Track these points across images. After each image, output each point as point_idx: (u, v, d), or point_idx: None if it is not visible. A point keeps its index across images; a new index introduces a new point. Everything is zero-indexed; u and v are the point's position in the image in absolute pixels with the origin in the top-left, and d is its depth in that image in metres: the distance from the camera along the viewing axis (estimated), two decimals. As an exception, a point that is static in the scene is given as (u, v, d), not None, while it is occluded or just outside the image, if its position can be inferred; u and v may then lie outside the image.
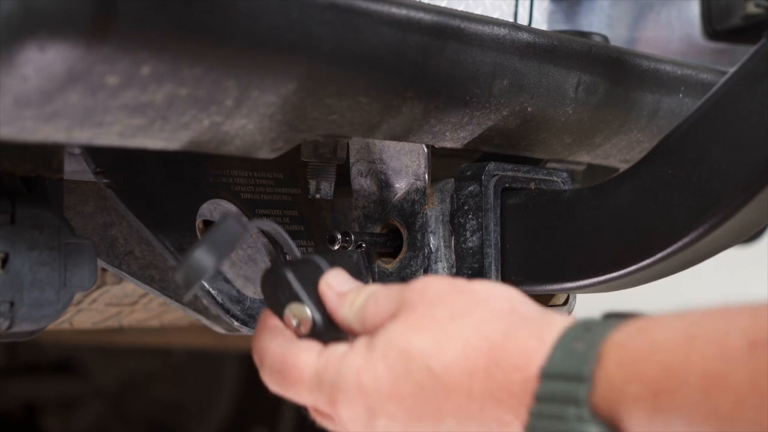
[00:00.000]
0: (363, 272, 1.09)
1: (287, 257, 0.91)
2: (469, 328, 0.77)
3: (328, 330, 0.86)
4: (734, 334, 0.67)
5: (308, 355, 0.84)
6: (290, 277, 0.87)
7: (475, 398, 0.75)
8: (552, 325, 0.76)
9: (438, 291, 0.81)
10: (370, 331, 0.82)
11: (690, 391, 0.67)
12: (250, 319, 1.09)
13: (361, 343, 0.82)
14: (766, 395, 0.65)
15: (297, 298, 0.87)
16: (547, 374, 0.73)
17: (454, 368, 0.76)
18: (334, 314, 0.85)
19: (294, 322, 0.86)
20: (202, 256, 0.82)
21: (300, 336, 0.86)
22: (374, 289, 0.85)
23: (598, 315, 0.77)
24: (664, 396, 0.68)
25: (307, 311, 0.86)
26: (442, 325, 0.78)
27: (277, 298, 0.87)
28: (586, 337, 0.73)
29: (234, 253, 1.10)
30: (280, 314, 0.87)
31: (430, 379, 0.77)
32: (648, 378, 0.69)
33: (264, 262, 1.11)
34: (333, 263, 0.90)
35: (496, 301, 0.80)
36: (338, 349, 0.83)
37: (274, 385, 0.86)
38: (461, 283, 0.82)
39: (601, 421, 0.70)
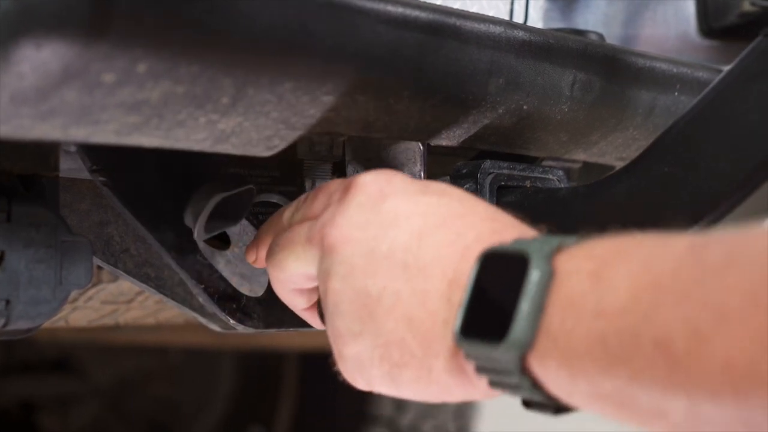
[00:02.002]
0: None
1: None
2: (433, 199, 0.84)
3: None
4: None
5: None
6: None
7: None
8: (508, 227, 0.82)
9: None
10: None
11: (625, 266, 0.69)
12: (246, 317, 1.09)
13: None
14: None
15: None
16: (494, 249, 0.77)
17: (410, 216, 0.83)
18: None
19: None
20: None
21: None
22: None
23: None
24: (605, 267, 0.70)
25: None
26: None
27: None
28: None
29: (230, 251, 1.10)
30: None
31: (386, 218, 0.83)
32: (594, 253, 0.72)
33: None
34: None
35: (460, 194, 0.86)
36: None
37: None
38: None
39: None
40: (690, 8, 1.37)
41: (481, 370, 0.75)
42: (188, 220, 1.03)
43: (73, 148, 1.04)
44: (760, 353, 0.60)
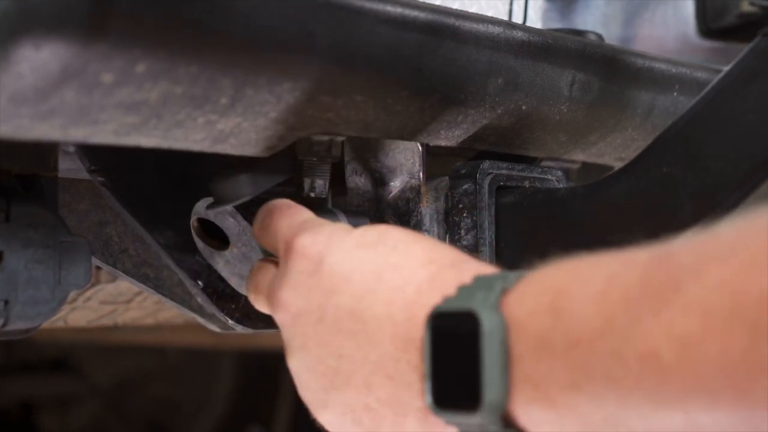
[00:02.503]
0: None
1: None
2: (382, 251, 0.83)
3: None
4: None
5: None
6: None
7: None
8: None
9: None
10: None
11: (586, 288, 0.68)
12: (245, 317, 1.09)
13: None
14: None
15: None
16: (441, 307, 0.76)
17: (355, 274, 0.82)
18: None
19: None
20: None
21: None
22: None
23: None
24: (563, 296, 0.68)
25: None
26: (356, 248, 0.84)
27: None
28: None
29: (229, 251, 1.10)
30: None
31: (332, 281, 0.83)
32: (546, 285, 0.71)
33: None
34: None
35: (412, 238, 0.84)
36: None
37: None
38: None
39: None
40: (689, 9, 1.37)
41: (463, 430, 0.74)
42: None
43: (71, 149, 1.04)
44: (755, 342, 0.59)
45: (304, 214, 0.93)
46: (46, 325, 1.03)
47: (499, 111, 1.04)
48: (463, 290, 0.75)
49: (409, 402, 0.77)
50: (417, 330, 0.76)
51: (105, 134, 0.81)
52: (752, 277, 0.60)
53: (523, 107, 1.06)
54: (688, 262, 0.63)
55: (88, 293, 1.47)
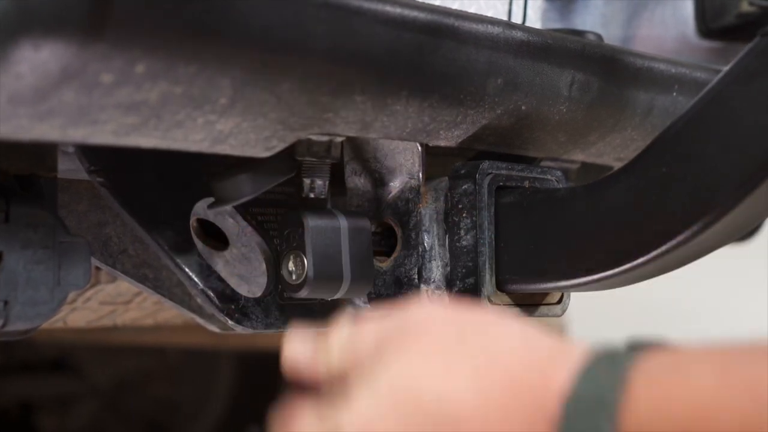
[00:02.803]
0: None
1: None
2: (483, 361, 0.71)
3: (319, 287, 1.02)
4: None
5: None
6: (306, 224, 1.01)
7: None
8: (570, 354, 0.70)
9: (438, 320, 0.74)
10: (362, 365, 0.74)
11: None
12: (245, 317, 1.09)
13: (359, 388, 0.73)
14: None
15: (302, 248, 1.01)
16: (569, 405, 0.67)
17: (468, 406, 0.69)
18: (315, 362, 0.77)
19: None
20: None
21: (292, 284, 1.01)
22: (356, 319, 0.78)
23: (620, 341, 0.72)
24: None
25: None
26: (451, 360, 0.71)
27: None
28: (611, 367, 0.68)
29: (228, 252, 1.10)
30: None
31: (443, 421, 0.69)
32: (678, 417, 0.65)
33: (258, 261, 1.11)
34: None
35: (506, 331, 0.73)
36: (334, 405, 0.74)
37: None
38: (461, 312, 0.75)
39: None
40: (688, 9, 1.37)
41: None
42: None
43: (71, 149, 1.04)
44: None
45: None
46: (45, 325, 1.03)
47: (499, 111, 1.04)
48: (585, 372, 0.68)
49: None
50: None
51: (104, 134, 0.81)
52: None
53: (523, 107, 1.06)
54: None
55: (88, 294, 1.47)
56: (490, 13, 1.18)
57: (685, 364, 0.66)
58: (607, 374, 0.67)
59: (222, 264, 1.10)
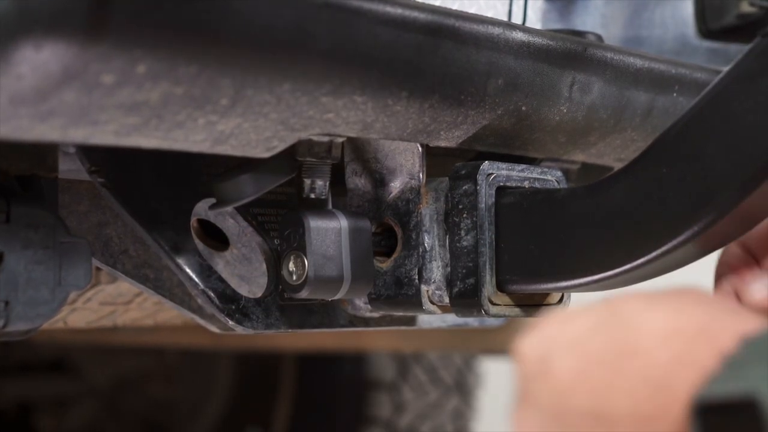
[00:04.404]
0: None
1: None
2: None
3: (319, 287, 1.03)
4: None
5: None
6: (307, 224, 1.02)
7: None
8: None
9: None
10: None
11: None
12: (245, 318, 1.09)
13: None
14: None
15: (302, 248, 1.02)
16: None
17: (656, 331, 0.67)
18: None
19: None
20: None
21: (293, 284, 1.03)
22: None
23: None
24: None
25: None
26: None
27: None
28: None
29: (229, 252, 1.11)
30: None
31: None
32: None
33: (259, 262, 1.11)
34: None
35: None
36: None
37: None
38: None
39: None
40: (688, 9, 1.37)
41: None
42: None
43: (72, 149, 1.04)
44: None
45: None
46: (45, 326, 1.03)
47: (499, 112, 1.04)
48: (730, 364, 0.61)
49: None
50: (672, 423, 0.63)
51: (105, 135, 0.81)
52: None
53: (523, 108, 1.06)
54: None
55: (88, 294, 1.47)
56: (490, 14, 1.19)
57: None
58: None
59: (222, 264, 1.10)
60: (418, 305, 1.09)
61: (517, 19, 1.23)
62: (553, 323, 0.72)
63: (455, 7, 1.13)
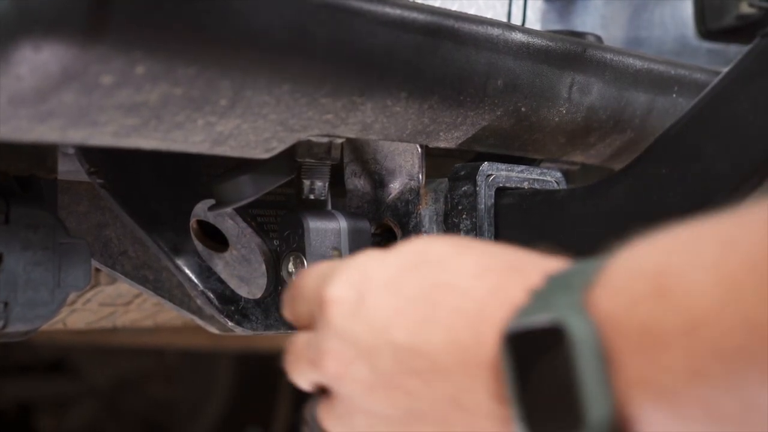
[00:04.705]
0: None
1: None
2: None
3: None
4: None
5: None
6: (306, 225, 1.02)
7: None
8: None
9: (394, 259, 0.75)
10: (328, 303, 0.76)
11: (697, 260, 0.58)
12: (244, 319, 1.09)
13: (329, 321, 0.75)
14: None
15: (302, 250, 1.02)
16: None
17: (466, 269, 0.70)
18: None
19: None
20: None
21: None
22: None
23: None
24: (668, 275, 0.59)
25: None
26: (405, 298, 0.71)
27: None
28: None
29: (228, 253, 1.10)
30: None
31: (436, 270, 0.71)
32: (648, 271, 0.61)
33: (258, 262, 1.11)
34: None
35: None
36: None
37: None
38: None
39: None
40: (687, 10, 1.37)
41: None
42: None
43: (71, 150, 1.04)
44: None
45: (324, 265, 0.80)
46: (45, 327, 1.03)
47: (498, 112, 1.04)
48: (537, 296, 0.65)
49: None
50: (488, 352, 0.66)
51: (104, 136, 0.81)
52: None
53: (522, 109, 1.06)
54: None
55: (88, 295, 1.47)
56: (489, 15, 1.19)
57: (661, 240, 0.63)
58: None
59: (222, 265, 1.10)
60: (417, 306, 1.09)
61: (516, 19, 1.23)
62: (366, 262, 0.74)
63: (454, 7, 1.13)
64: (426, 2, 0.99)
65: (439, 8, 0.98)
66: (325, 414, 0.77)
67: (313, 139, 0.98)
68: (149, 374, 3.05)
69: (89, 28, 0.71)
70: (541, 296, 0.65)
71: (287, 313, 0.83)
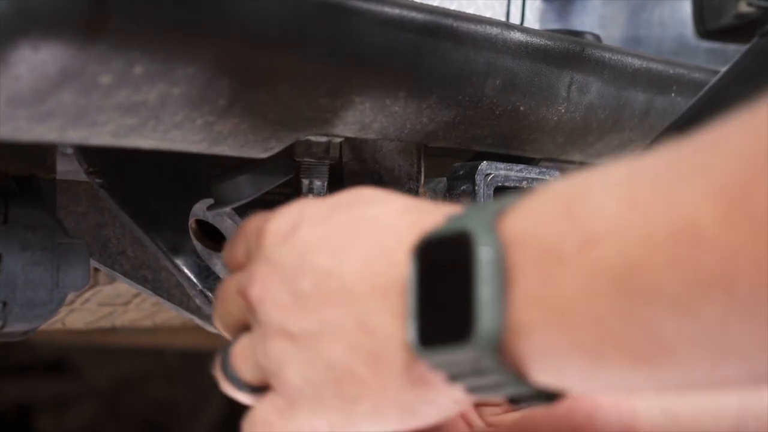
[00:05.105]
0: None
1: None
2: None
3: None
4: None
5: None
6: None
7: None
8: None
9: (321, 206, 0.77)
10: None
11: (606, 181, 0.59)
12: (244, 318, 1.09)
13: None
14: None
15: None
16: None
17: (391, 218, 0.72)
18: None
19: None
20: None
21: None
22: None
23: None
24: (579, 198, 0.59)
25: None
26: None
27: None
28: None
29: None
30: None
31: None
32: (557, 194, 0.61)
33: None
34: None
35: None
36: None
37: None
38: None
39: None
40: (686, 10, 1.37)
41: (453, 378, 0.64)
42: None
43: (70, 150, 1.04)
44: None
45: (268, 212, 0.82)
46: (43, 327, 1.03)
47: (497, 112, 1.04)
48: (452, 217, 0.65)
49: (391, 356, 0.67)
50: (399, 274, 0.67)
51: (103, 136, 0.81)
52: None
53: (521, 108, 1.06)
54: (718, 135, 0.56)
55: (86, 295, 1.47)
56: (488, 14, 1.19)
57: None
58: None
59: (221, 265, 1.10)
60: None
61: (515, 19, 1.23)
62: (306, 202, 0.76)
63: (453, 7, 1.13)
64: (425, 2, 0.99)
65: (437, 8, 0.98)
66: (241, 347, 0.78)
67: (312, 138, 0.98)
68: (149, 374, 3.05)
69: (88, 28, 0.71)
70: (455, 218, 0.65)
71: (225, 255, 0.83)
